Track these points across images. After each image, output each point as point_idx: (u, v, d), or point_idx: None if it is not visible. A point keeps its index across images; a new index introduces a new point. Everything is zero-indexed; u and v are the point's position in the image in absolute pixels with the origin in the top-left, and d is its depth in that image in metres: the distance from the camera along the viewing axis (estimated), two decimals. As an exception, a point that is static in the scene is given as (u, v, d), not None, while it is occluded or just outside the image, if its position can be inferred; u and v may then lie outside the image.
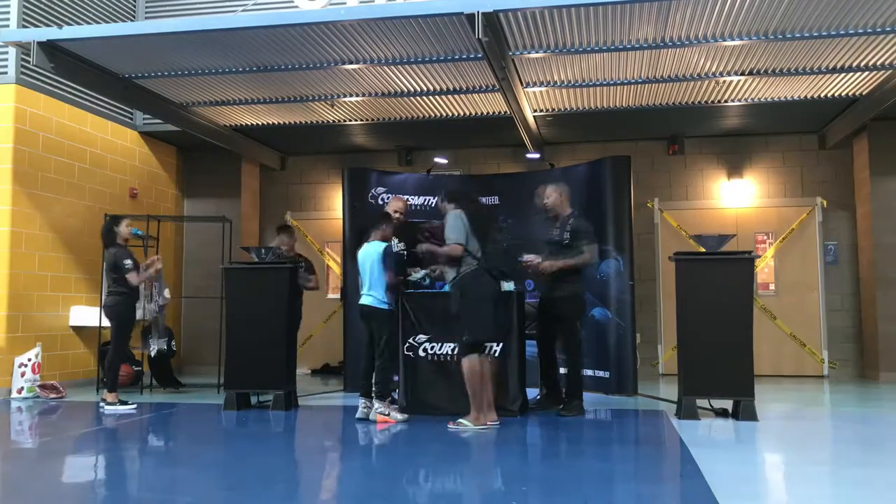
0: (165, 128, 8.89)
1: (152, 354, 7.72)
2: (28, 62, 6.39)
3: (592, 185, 7.81)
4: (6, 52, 7.44)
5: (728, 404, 5.97)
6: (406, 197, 7.71)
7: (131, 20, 8.88)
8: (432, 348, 6.22)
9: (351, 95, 7.70)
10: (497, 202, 8.56)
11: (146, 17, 8.91)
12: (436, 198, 8.67)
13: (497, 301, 5.57)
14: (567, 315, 6.11)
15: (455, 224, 5.44)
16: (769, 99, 7.86)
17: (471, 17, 5.36)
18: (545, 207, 6.28)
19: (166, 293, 7.74)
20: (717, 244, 5.98)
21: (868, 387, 8.22)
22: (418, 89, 7.42)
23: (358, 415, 5.85)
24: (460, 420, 5.35)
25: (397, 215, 6.58)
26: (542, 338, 6.41)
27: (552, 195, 6.23)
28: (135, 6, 8.97)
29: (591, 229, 6.13)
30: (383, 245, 5.91)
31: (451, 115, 8.33)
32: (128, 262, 6.60)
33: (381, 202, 8.09)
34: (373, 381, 5.89)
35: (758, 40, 6.13)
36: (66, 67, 6.49)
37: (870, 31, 5.95)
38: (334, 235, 9.99)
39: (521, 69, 6.86)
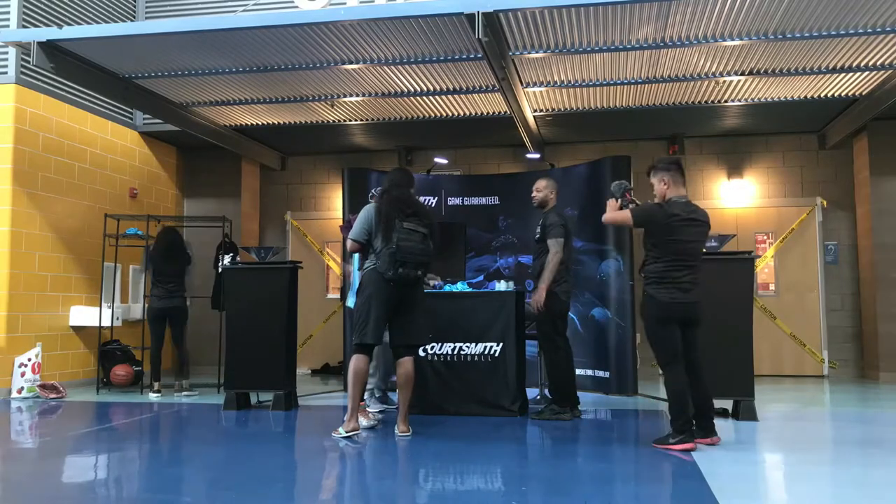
0: (165, 128, 8.89)
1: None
2: (28, 62, 6.39)
3: (592, 185, 7.81)
4: (6, 52, 7.44)
5: (728, 404, 5.97)
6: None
7: (131, 20, 8.89)
8: (432, 348, 6.23)
9: (351, 95, 7.70)
10: (497, 202, 8.57)
11: (146, 17, 8.91)
12: (434, 198, 8.69)
13: (388, 304, 5.06)
14: (541, 314, 5.86)
15: (358, 219, 5.21)
16: (769, 99, 7.86)
17: (471, 17, 5.36)
18: (535, 202, 6.19)
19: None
20: (718, 244, 5.99)
21: (868, 387, 8.22)
22: (418, 89, 7.42)
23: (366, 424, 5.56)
24: (338, 428, 5.12)
25: None
26: None
27: (537, 191, 6.10)
28: (135, 6, 8.97)
29: (559, 222, 5.84)
30: None
31: (451, 115, 8.33)
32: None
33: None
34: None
35: (758, 40, 6.13)
36: (66, 67, 6.49)
37: (870, 31, 5.95)
38: (334, 235, 10.00)
39: (521, 69, 6.86)
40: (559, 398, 5.92)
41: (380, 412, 6.19)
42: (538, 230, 5.98)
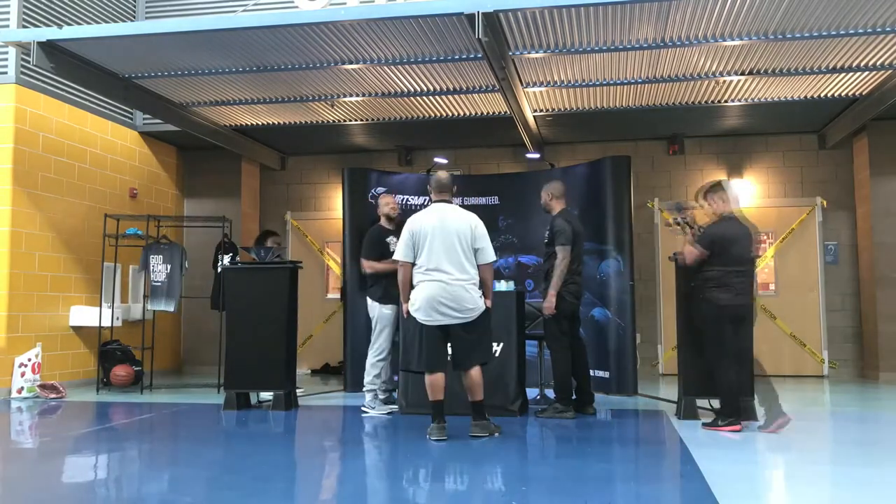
0: (165, 128, 8.89)
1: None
2: (28, 62, 6.39)
3: (592, 185, 7.81)
4: (6, 52, 7.44)
5: (728, 404, 5.97)
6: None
7: (131, 20, 8.88)
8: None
9: (351, 95, 7.70)
10: (497, 202, 8.57)
11: (146, 17, 8.91)
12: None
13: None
14: (545, 314, 5.99)
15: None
16: (769, 99, 7.86)
17: (471, 17, 5.36)
18: (543, 206, 6.29)
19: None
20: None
21: (868, 387, 8.22)
22: (418, 89, 7.42)
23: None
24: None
25: (391, 207, 6.67)
26: None
27: (543, 194, 6.22)
28: (135, 6, 8.97)
29: (565, 228, 5.93)
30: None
31: (451, 115, 8.33)
32: None
33: (378, 203, 8.10)
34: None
35: (758, 40, 6.13)
36: (66, 67, 6.48)
37: (870, 31, 5.95)
38: (334, 235, 9.99)
39: (521, 69, 6.85)
40: (563, 397, 5.95)
41: (388, 413, 6.21)
42: (546, 234, 6.09)
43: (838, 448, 5.04)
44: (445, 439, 4.97)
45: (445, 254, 5.03)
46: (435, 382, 5.06)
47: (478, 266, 5.12)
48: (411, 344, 5.15)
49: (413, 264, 5.13)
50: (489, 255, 5.12)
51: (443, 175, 5.44)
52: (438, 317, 5.02)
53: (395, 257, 5.31)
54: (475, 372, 5.08)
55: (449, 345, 5.18)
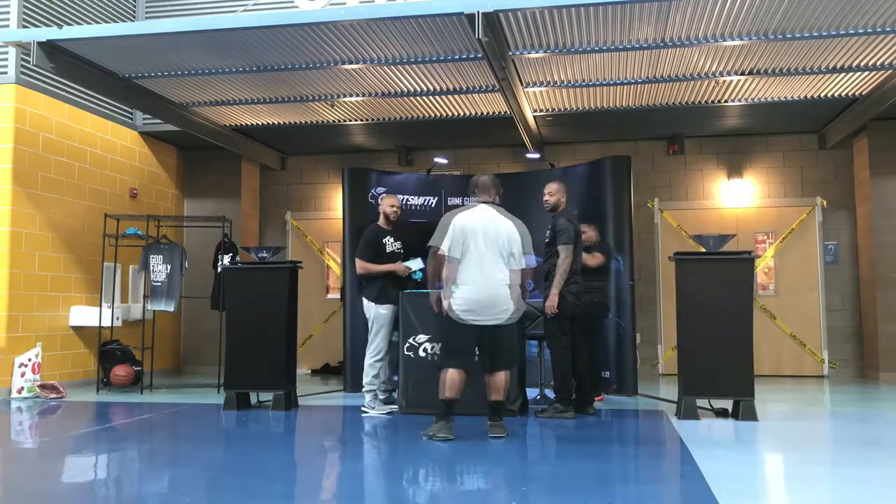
0: (165, 128, 8.89)
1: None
2: (28, 62, 6.39)
3: (592, 185, 7.81)
4: (6, 52, 7.44)
5: (728, 404, 5.97)
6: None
7: (131, 20, 8.88)
8: (432, 348, 6.23)
9: (351, 95, 7.70)
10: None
11: (146, 17, 8.91)
12: (434, 198, 8.66)
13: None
14: (547, 314, 5.99)
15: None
16: (769, 99, 7.86)
17: (471, 17, 5.36)
18: (547, 206, 6.28)
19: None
20: (717, 244, 5.99)
21: (868, 387, 8.22)
22: (418, 89, 7.42)
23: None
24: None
25: (394, 209, 6.59)
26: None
27: (549, 195, 6.21)
28: (135, 6, 8.97)
29: (568, 227, 5.94)
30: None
31: (451, 115, 8.33)
32: None
33: (381, 202, 8.09)
34: None
35: (758, 40, 6.13)
36: (66, 67, 6.49)
37: (870, 31, 5.95)
38: (334, 235, 10.00)
39: (521, 69, 6.86)
40: (563, 397, 5.95)
41: (388, 413, 6.21)
42: (548, 233, 6.08)
43: (838, 448, 5.03)
44: (452, 438, 4.95)
45: (490, 254, 5.04)
46: (457, 380, 5.02)
47: (518, 270, 5.14)
48: (445, 339, 5.18)
49: (447, 256, 5.08)
50: (530, 259, 5.20)
51: (485, 177, 5.51)
52: (478, 317, 5.01)
53: (432, 243, 5.16)
54: (504, 372, 5.12)
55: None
